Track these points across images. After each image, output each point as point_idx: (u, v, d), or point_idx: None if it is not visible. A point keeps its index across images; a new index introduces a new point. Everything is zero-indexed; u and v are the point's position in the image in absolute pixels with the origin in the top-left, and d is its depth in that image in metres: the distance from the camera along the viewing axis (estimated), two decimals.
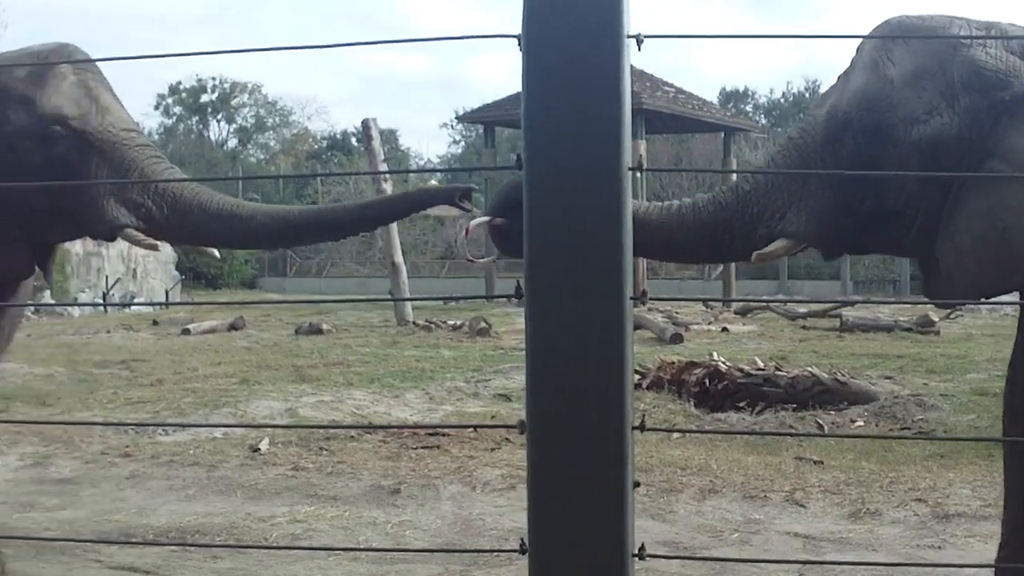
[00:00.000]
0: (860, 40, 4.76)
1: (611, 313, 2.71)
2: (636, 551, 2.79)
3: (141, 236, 5.89)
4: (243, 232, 5.99)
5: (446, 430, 10.60)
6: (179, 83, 74.02)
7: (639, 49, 2.79)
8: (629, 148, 2.70)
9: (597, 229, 2.69)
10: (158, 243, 5.97)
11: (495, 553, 6.77)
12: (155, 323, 26.64)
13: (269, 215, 5.87)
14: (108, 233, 5.92)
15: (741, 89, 74.12)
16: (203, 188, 5.93)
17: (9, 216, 5.93)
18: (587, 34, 2.71)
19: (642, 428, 2.86)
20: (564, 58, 2.69)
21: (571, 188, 2.70)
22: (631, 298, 2.72)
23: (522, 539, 2.80)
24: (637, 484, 2.76)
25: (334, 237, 6.19)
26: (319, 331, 22.76)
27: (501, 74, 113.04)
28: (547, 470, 2.80)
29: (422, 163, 73.65)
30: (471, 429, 10.68)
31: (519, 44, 2.73)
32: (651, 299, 2.84)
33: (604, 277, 2.70)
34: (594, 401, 2.74)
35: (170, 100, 74.22)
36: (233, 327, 24.28)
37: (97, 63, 6.15)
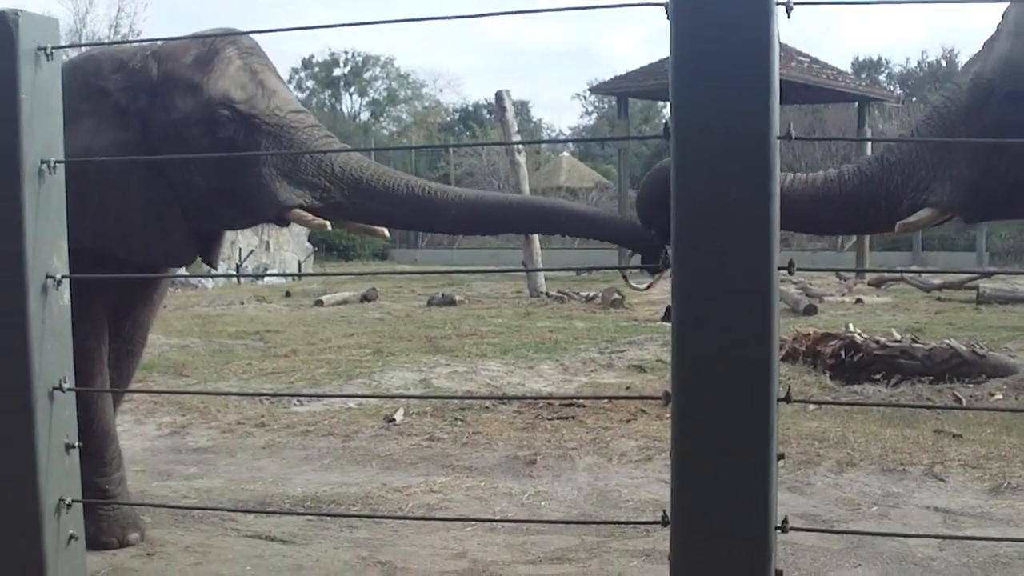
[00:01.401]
0: (1006, 5, 4.64)
1: (758, 284, 2.67)
2: (779, 524, 2.75)
3: (310, 216, 5.91)
4: (434, 221, 6.00)
5: (581, 401, 10.56)
6: (312, 57, 74.72)
7: (788, 16, 2.74)
8: (777, 117, 2.65)
9: (745, 198, 2.65)
10: (328, 223, 5.99)
11: (633, 525, 6.73)
12: (288, 295, 26.89)
13: (464, 206, 5.79)
14: (277, 215, 5.95)
15: (875, 58, 73.02)
16: (385, 169, 5.94)
17: (174, 202, 6.01)
18: (736, 1, 2.66)
19: (787, 400, 2.83)
20: (713, 26, 2.65)
21: (719, 157, 2.66)
22: (779, 268, 2.68)
23: (664, 511, 2.77)
24: (781, 456, 2.73)
25: (521, 231, 6.12)
26: (452, 302, 22.81)
27: (635, 45, 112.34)
28: (691, 442, 2.77)
29: (554, 134, 73.61)
30: (606, 400, 10.64)
31: (666, 13, 2.69)
32: (797, 269, 2.79)
33: (752, 247, 2.66)
34: (740, 373, 2.71)
35: (303, 74, 74.92)
36: (366, 298, 24.43)
37: (235, 37, 6.19)
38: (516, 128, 27.46)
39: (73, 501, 3.35)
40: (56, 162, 3.28)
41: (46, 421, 3.25)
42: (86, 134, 5.82)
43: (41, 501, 3.24)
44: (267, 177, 5.86)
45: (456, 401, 10.69)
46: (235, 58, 6.08)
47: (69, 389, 3.34)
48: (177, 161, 6.00)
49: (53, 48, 3.27)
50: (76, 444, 3.38)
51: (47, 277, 3.25)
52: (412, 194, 5.82)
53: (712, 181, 2.66)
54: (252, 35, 6.32)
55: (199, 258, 6.46)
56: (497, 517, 7.16)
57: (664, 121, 2.73)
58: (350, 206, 5.95)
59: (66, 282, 3.32)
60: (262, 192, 5.86)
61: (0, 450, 3.27)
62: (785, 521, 2.77)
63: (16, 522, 3.27)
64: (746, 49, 2.62)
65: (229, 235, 37.19)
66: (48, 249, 3.27)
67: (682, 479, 2.79)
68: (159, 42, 6.22)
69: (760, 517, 2.73)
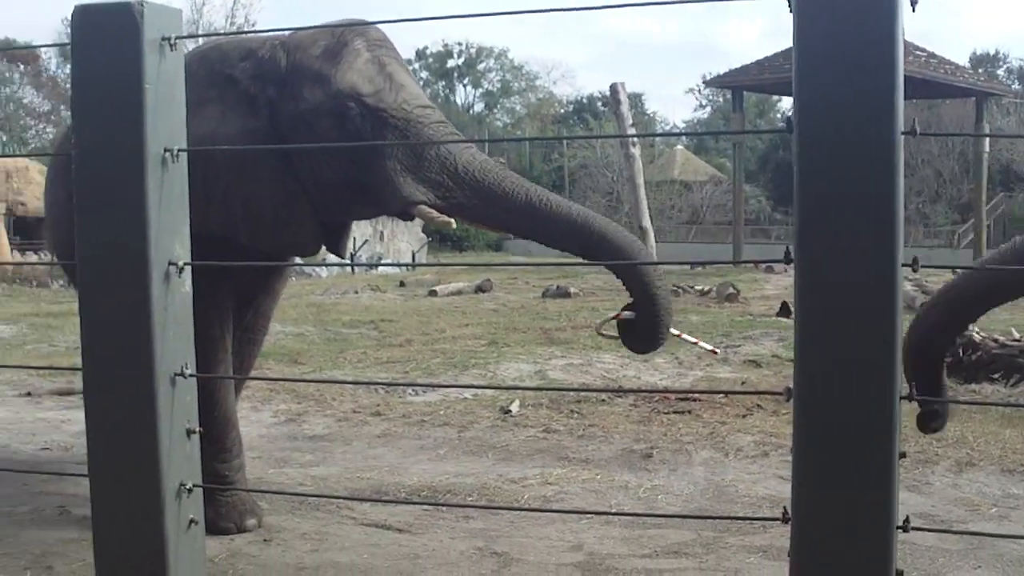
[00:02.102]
0: None
1: (882, 281, 2.63)
2: (900, 523, 2.71)
3: (435, 213, 5.93)
4: (544, 235, 5.96)
5: (697, 395, 10.50)
6: (426, 48, 75.15)
7: (913, 10, 2.69)
8: (902, 112, 2.60)
9: (869, 194, 2.61)
10: (451, 221, 6.00)
11: (750, 521, 6.67)
12: (402, 284, 27.06)
13: (574, 226, 5.75)
14: (401, 209, 5.99)
15: (993, 52, 71.86)
16: (507, 175, 5.94)
17: (303, 192, 6.06)
18: None
19: (910, 398, 2.78)
20: (837, 18, 2.61)
21: (843, 152, 2.63)
22: (903, 265, 2.63)
23: (784, 507, 2.74)
24: (903, 455, 2.68)
25: (604, 262, 6.04)
26: (566, 294, 22.81)
27: (751, 39, 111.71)
28: (814, 438, 2.74)
29: (667, 128, 73.39)
30: (722, 395, 10.57)
31: (789, 6, 2.66)
32: (923, 266, 2.74)
33: (876, 243, 2.62)
34: (863, 369, 2.67)
35: (417, 65, 75.26)
36: (480, 289, 24.50)
37: (364, 29, 6.21)
38: (631, 121, 27.37)
39: (194, 486, 3.37)
40: (179, 150, 3.30)
41: (168, 407, 3.27)
42: (212, 120, 5.89)
43: (162, 485, 3.25)
44: (392, 171, 5.88)
45: (572, 393, 10.67)
46: (363, 51, 6.11)
47: (190, 375, 3.36)
48: (306, 151, 6.05)
49: (177, 38, 3.29)
50: (197, 429, 3.40)
51: (169, 264, 3.27)
52: (529, 204, 5.80)
53: (836, 176, 2.62)
54: (375, 26, 6.34)
55: (324, 248, 6.53)
56: (613, 510, 7.15)
57: (787, 115, 2.70)
58: (471, 207, 5.96)
59: (188, 269, 3.34)
60: (387, 186, 5.89)
61: (123, 435, 3.30)
62: (907, 520, 2.73)
63: (138, 506, 3.29)
64: (871, 42, 2.57)
65: None
66: (171, 236, 3.29)
67: (804, 476, 2.76)
68: (286, 32, 6.27)
69: (882, 516, 2.69)
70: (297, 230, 6.16)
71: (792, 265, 2.73)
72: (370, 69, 6.07)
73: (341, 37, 6.13)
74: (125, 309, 3.25)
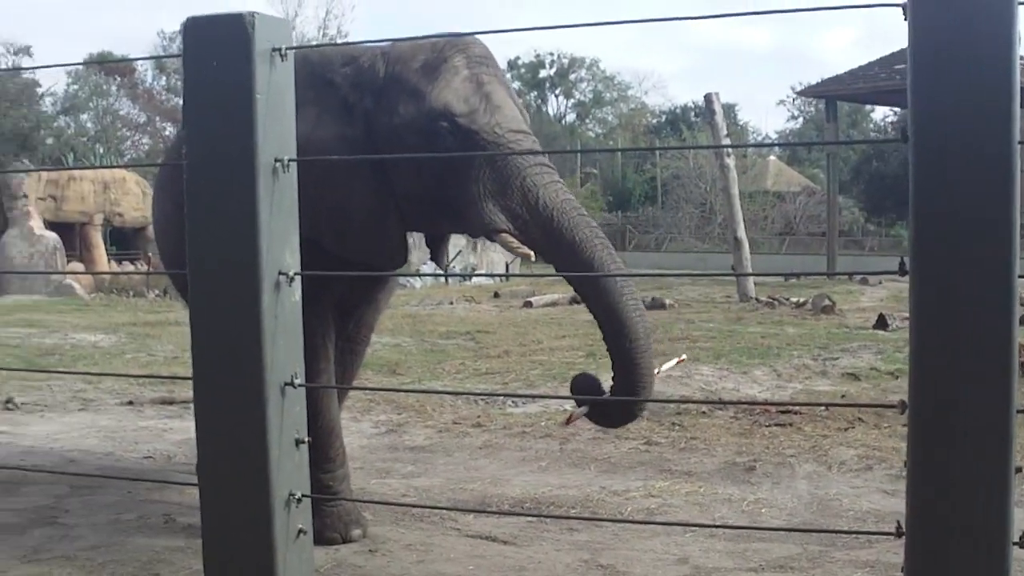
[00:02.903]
0: None
1: (999, 292, 2.58)
2: (1017, 539, 2.65)
3: (517, 244, 5.89)
4: (591, 301, 5.88)
5: (798, 408, 10.40)
6: (518, 58, 75.22)
7: None
8: (1018, 121, 2.55)
9: (986, 205, 2.56)
10: (531, 253, 5.96)
11: (855, 535, 6.58)
12: (496, 295, 27.08)
13: (615, 310, 5.75)
14: (484, 233, 5.96)
15: None
16: (583, 222, 5.85)
17: (391, 203, 6.06)
18: (979, 1, 2.57)
19: None
20: (953, 27, 2.56)
21: (959, 162, 2.57)
22: (1019, 276, 2.58)
23: (898, 521, 2.69)
24: (1018, 470, 2.62)
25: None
26: (661, 306, 22.70)
27: (844, 47, 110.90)
28: (929, 452, 2.68)
29: (760, 138, 72.97)
30: (823, 408, 10.46)
31: (904, 13, 2.61)
32: None
33: (993, 254, 2.57)
34: (979, 383, 2.61)
35: (509, 75, 75.37)
36: (575, 300, 24.30)
37: (466, 45, 6.18)
38: (726, 131, 27.23)
39: (302, 496, 3.37)
40: (290, 160, 3.31)
41: (277, 416, 3.27)
42: (307, 123, 5.88)
43: (272, 495, 3.26)
44: (476, 195, 5.85)
45: (672, 405, 10.60)
46: (463, 68, 6.06)
47: (300, 385, 3.36)
48: (401, 165, 6.04)
49: (287, 49, 3.30)
50: (306, 439, 3.40)
51: (280, 274, 3.27)
52: (588, 261, 5.75)
53: (952, 187, 2.57)
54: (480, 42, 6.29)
55: (429, 258, 6.53)
56: (718, 523, 7.08)
57: (881, 124, 2.65)
58: (540, 245, 5.91)
59: (298, 279, 3.34)
60: (471, 209, 5.87)
61: (233, 444, 3.30)
62: (1023, 536, 2.67)
63: (247, 515, 3.30)
64: (989, 51, 2.52)
65: None
66: (281, 246, 3.30)
67: (918, 490, 2.70)
68: (387, 43, 6.25)
69: (998, 531, 2.63)
70: (383, 240, 6.15)
71: (906, 277, 2.67)
72: (466, 88, 6.03)
73: (442, 52, 6.09)
74: (235, 318, 3.26)
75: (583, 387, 6.01)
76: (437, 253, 6.67)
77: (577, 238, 5.78)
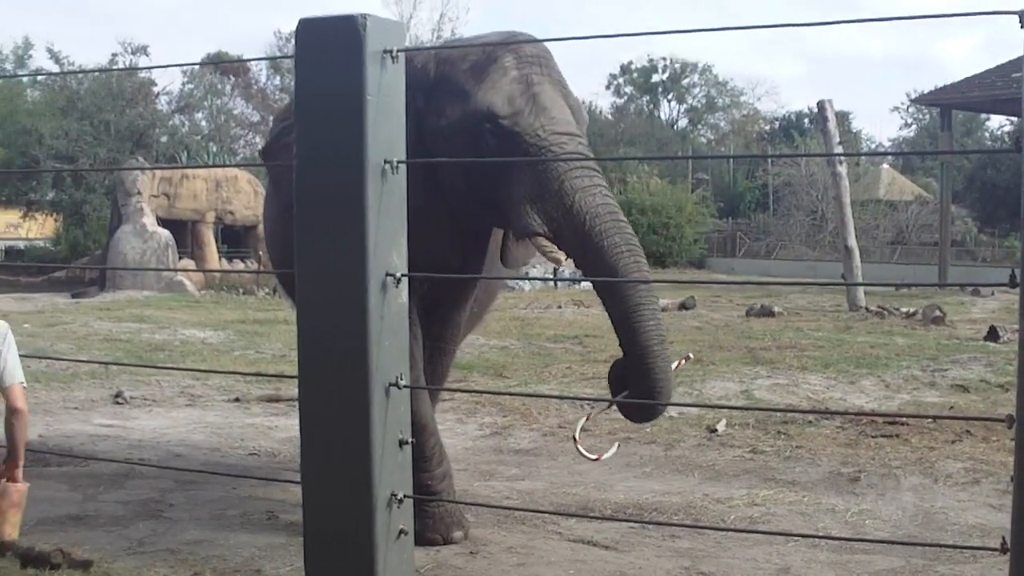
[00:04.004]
0: None
1: None
2: (998, 544, 2.61)
3: (550, 248, 5.88)
4: (609, 297, 5.88)
5: (905, 419, 10.27)
6: (631, 63, 74.94)
7: None
8: None
9: None
10: (562, 257, 5.94)
11: (961, 549, 6.49)
12: None
13: (629, 320, 5.88)
14: (523, 236, 5.94)
15: None
16: (618, 228, 5.84)
17: (440, 200, 6.06)
18: None
19: None
20: None
21: None
22: None
23: (1003, 537, 2.65)
24: None
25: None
26: (770, 313, 22.55)
27: (961, 56, 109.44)
28: None
29: (873, 146, 72.17)
30: (930, 419, 10.33)
31: (1021, 21, 2.57)
32: None
33: None
34: None
35: (621, 80, 75.22)
36: (683, 306, 24.34)
37: (547, 43, 6.16)
38: (838, 139, 26.94)
39: (404, 496, 3.39)
40: (399, 162, 3.33)
41: (382, 417, 3.29)
42: None
43: (374, 495, 3.28)
44: (516, 196, 5.83)
45: (778, 414, 10.52)
46: (511, 68, 6.02)
47: (405, 386, 3.37)
48: (449, 165, 6.04)
49: (399, 51, 3.32)
50: (409, 440, 3.43)
51: (387, 275, 3.29)
52: (612, 266, 5.76)
53: None
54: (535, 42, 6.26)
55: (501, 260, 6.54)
56: (820, 533, 7.01)
57: (997, 133, 2.61)
58: (572, 250, 5.89)
59: (405, 280, 3.36)
60: (513, 210, 5.85)
61: (337, 444, 3.33)
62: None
63: (349, 514, 3.32)
64: None
65: None
66: (388, 247, 3.32)
67: None
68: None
69: None
70: (434, 243, 6.15)
71: (1016, 289, 2.64)
72: (513, 89, 6.00)
73: (492, 53, 6.08)
74: (342, 319, 3.28)
75: (618, 374, 6.10)
76: (504, 253, 6.64)
77: (606, 244, 5.75)
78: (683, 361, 6.22)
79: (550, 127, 5.96)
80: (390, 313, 3.32)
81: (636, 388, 5.85)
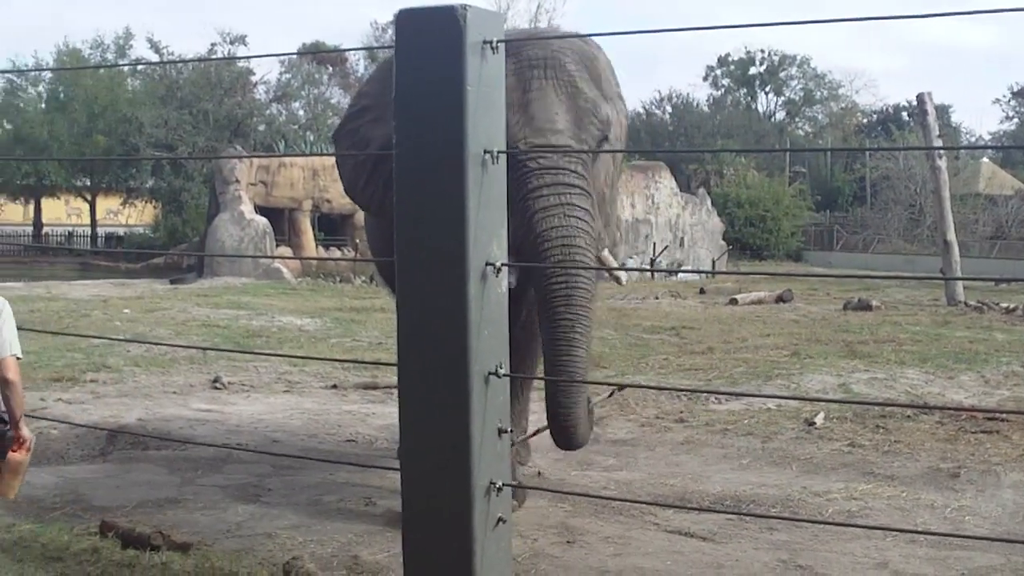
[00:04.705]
0: None
1: None
2: None
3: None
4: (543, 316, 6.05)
5: (1006, 415, 10.13)
6: (728, 55, 74.47)
7: None
8: None
9: None
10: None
11: None
12: (702, 291, 27.00)
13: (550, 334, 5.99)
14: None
15: None
16: (564, 254, 5.97)
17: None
18: None
19: None
20: None
21: None
22: None
23: None
24: None
25: None
26: (868, 307, 22.38)
27: None
28: None
29: (973, 140, 71.21)
30: None
31: None
32: None
33: None
34: None
35: (719, 72, 74.80)
36: (781, 299, 24.24)
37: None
38: (937, 132, 26.62)
39: (503, 484, 3.40)
40: (499, 152, 3.33)
41: (481, 405, 3.30)
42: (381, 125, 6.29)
43: (473, 483, 3.29)
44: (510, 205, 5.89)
45: (877, 408, 10.42)
46: (509, 75, 6.03)
47: (504, 375, 3.38)
48: None
49: (498, 41, 3.32)
50: (508, 429, 3.43)
51: (487, 264, 3.30)
52: (545, 295, 5.97)
53: None
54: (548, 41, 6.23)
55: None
56: (919, 529, 6.93)
57: None
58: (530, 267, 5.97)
59: (505, 270, 3.37)
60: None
61: (436, 432, 3.34)
62: None
63: (448, 502, 3.33)
64: None
65: (643, 229, 37.79)
66: (488, 237, 3.32)
67: None
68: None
69: None
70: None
71: None
72: (508, 98, 6.01)
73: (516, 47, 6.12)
74: (442, 308, 3.30)
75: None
76: None
77: (548, 272, 5.90)
78: (610, 395, 6.34)
79: (532, 138, 6.02)
80: (490, 303, 3.33)
81: (549, 420, 6.00)
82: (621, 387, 6.56)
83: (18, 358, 4.94)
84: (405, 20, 3.31)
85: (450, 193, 3.24)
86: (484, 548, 3.34)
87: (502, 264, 3.35)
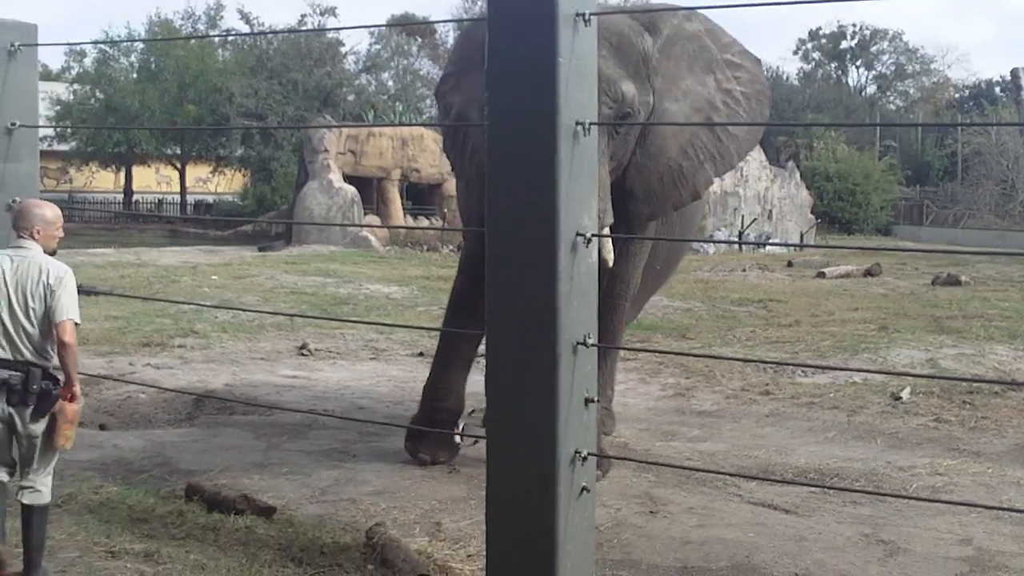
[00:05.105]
0: None
1: None
2: None
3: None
4: None
5: None
6: (819, 28, 73.71)
7: None
8: None
9: None
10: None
11: None
12: (790, 264, 26.83)
13: None
14: None
15: None
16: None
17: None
18: None
19: None
20: None
21: None
22: None
23: None
24: None
25: None
26: (957, 282, 22.13)
27: None
28: None
29: None
30: None
31: None
32: None
33: None
34: None
35: (809, 45, 74.05)
36: (869, 273, 24.04)
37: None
38: None
39: (588, 454, 3.43)
40: (591, 124, 3.36)
41: (569, 375, 3.33)
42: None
43: (558, 451, 3.33)
44: None
45: (964, 383, 10.33)
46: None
47: (593, 345, 3.41)
48: None
49: (591, 14, 3.35)
50: (595, 398, 3.46)
51: (577, 235, 3.33)
52: None
53: None
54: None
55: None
56: (1004, 505, 6.88)
57: None
58: None
59: (595, 240, 3.39)
60: None
61: (523, 400, 3.38)
62: None
63: (533, 470, 3.37)
64: None
65: (732, 202, 37.69)
66: (579, 208, 3.35)
67: None
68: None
69: None
70: None
71: None
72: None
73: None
74: (532, 277, 3.33)
75: None
76: None
77: None
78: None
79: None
80: (579, 273, 3.36)
81: None
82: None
83: (76, 324, 5.08)
84: None
85: (542, 164, 3.27)
86: (568, 517, 3.38)
87: (592, 235, 3.37)
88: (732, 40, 7.46)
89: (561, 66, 3.25)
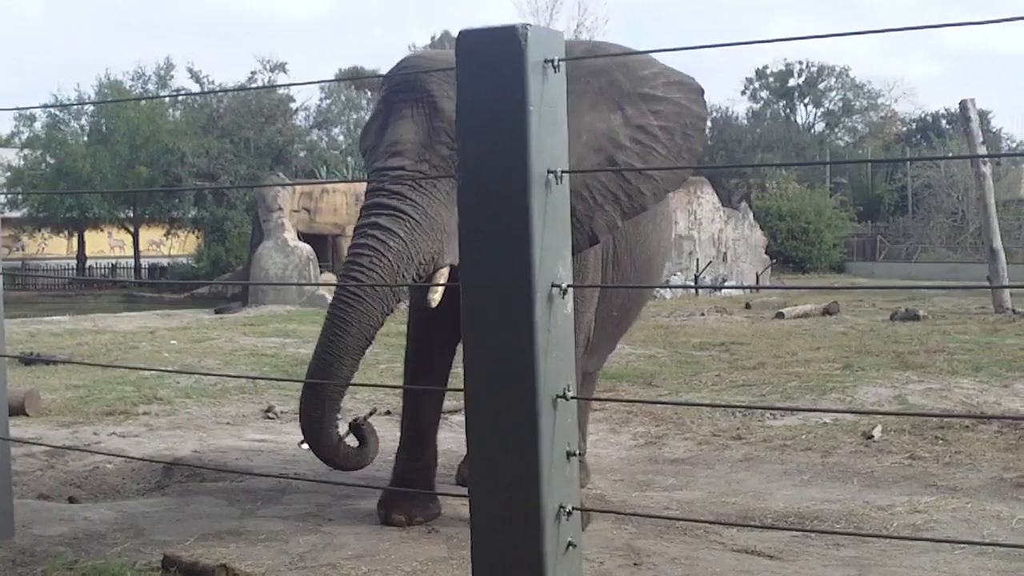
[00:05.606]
0: None
1: None
2: None
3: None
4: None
5: None
6: (766, 67, 74.51)
7: None
8: None
9: None
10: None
11: None
12: (748, 306, 26.92)
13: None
14: None
15: None
16: (347, 270, 6.41)
17: None
18: None
19: None
20: None
21: None
22: None
23: None
24: None
25: None
26: (915, 317, 22.24)
27: None
28: None
29: (1014, 145, 70.83)
30: None
31: None
32: None
33: None
34: None
35: (757, 84, 74.80)
36: (827, 311, 24.14)
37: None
38: (981, 139, 26.42)
39: (573, 508, 3.36)
40: (563, 172, 3.31)
41: (550, 428, 3.28)
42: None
43: (543, 507, 3.26)
44: None
45: (934, 419, 10.33)
46: (380, 103, 6.55)
47: (572, 397, 3.35)
48: None
49: (560, 60, 3.30)
50: (576, 452, 3.40)
51: (552, 286, 3.27)
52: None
53: None
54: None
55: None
56: (986, 540, 6.85)
57: None
58: None
59: (571, 291, 3.34)
60: None
61: (505, 455, 3.31)
62: None
63: (518, 527, 3.30)
64: None
65: (687, 246, 37.76)
66: (553, 258, 3.29)
67: None
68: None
69: None
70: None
71: None
72: (371, 123, 6.54)
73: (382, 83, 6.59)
74: (509, 330, 3.27)
75: None
76: None
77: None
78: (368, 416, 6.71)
79: (376, 162, 6.41)
80: (556, 324, 3.30)
81: None
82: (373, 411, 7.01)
83: None
84: (465, 40, 3.30)
85: (515, 214, 3.22)
86: (556, 572, 3.30)
87: (568, 285, 3.32)
88: (659, 71, 7.06)
89: (532, 114, 3.20)
